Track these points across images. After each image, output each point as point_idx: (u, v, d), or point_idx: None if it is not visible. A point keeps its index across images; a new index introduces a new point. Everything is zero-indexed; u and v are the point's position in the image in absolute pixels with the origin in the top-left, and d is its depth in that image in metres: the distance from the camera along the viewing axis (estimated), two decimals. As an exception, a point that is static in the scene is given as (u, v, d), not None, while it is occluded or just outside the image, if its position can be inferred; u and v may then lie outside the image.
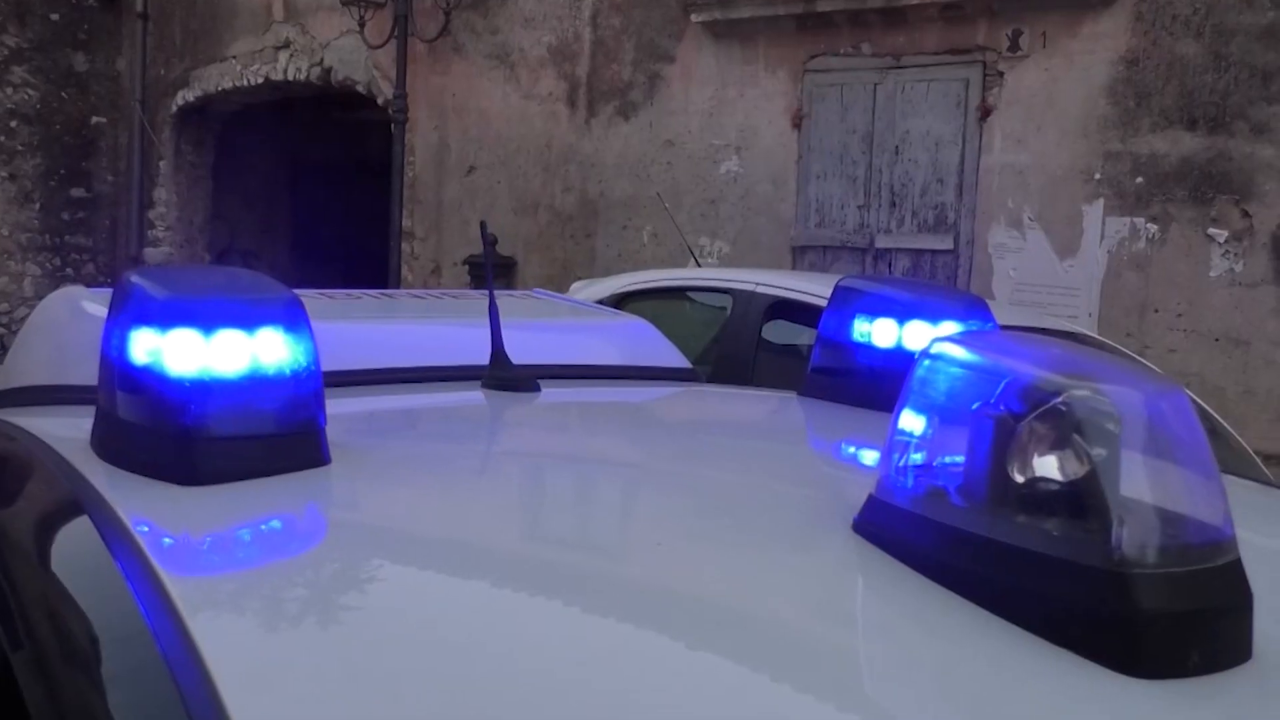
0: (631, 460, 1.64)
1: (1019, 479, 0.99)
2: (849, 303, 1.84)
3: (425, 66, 10.25)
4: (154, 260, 12.79)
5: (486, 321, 1.85)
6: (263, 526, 1.21)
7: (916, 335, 1.69)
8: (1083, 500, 0.96)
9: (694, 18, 8.62)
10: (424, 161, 10.41)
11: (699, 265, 6.54)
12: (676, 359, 2.24)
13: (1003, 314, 3.88)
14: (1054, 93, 7.32)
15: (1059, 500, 0.98)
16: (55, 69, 12.77)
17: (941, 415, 1.06)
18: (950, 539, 1.03)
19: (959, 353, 1.05)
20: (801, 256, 8.17)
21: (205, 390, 1.19)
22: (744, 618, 1.02)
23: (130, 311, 1.23)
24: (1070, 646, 0.93)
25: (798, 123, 8.26)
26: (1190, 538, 0.96)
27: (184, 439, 1.16)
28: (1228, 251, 6.70)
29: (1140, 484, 0.97)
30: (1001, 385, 1.01)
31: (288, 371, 1.24)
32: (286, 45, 11.42)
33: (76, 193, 13.08)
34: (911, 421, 1.07)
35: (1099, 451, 0.97)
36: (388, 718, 0.78)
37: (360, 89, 10.88)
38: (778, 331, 4.42)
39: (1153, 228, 6.98)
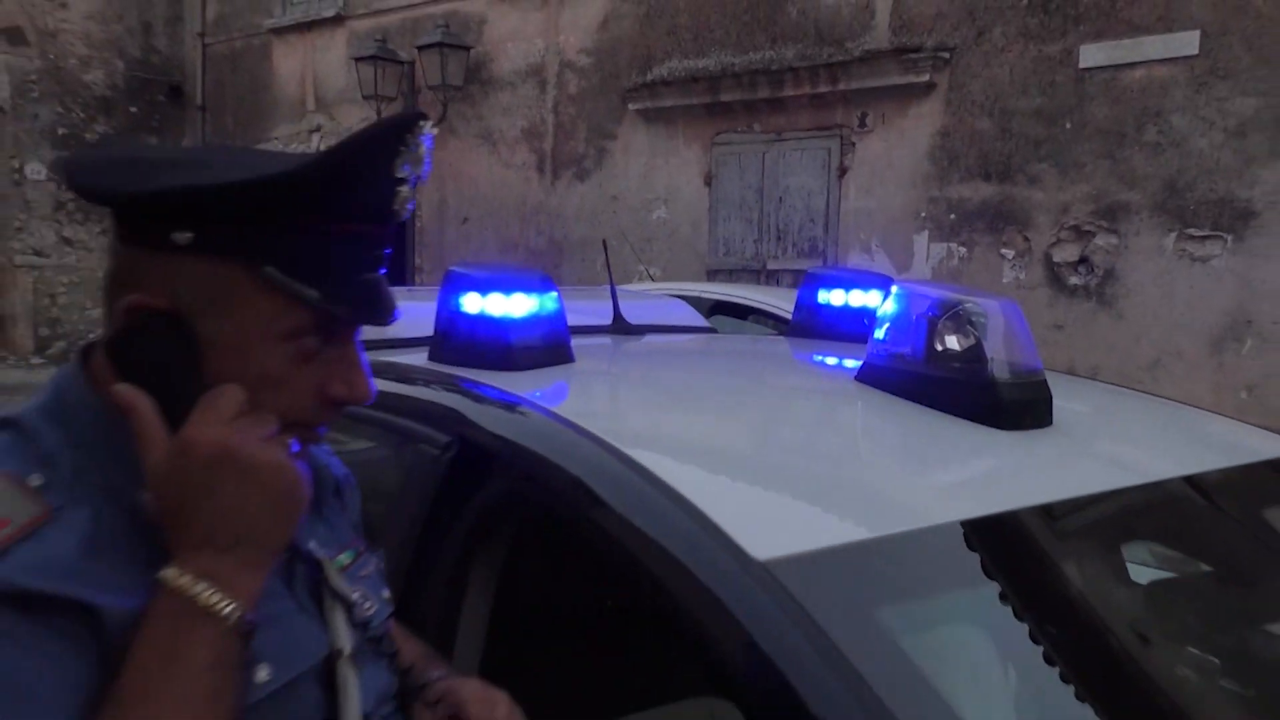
0: (705, 354, 2.08)
1: (939, 347, 1.50)
2: (816, 281, 2.20)
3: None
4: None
5: (609, 300, 2.20)
6: (553, 382, 1.58)
7: (857, 298, 2.18)
8: (972, 353, 1.45)
9: (631, 106, 8.82)
10: (429, 215, 10.53)
11: (653, 280, 6.88)
12: (701, 321, 2.61)
13: None
14: (891, 157, 7.50)
15: (960, 355, 1.44)
16: (134, 149, 12.87)
17: (900, 318, 1.54)
18: (907, 376, 1.47)
19: (909, 289, 1.57)
20: (713, 277, 8.21)
21: (511, 324, 1.60)
22: (806, 411, 1.54)
23: (462, 284, 1.68)
24: (969, 419, 1.38)
25: (708, 181, 8.43)
26: (1021, 366, 1.43)
27: (504, 349, 1.62)
28: (1014, 265, 6.96)
29: (997, 345, 1.46)
30: (929, 302, 1.51)
31: (549, 312, 1.67)
32: (318, 129, 11.50)
33: (153, 244, 13.16)
34: (885, 321, 1.58)
35: (977, 331, 1.50)
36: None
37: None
38: (717, 322, 4.90)
39: (962, 250, 7.20)
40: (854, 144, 7.74)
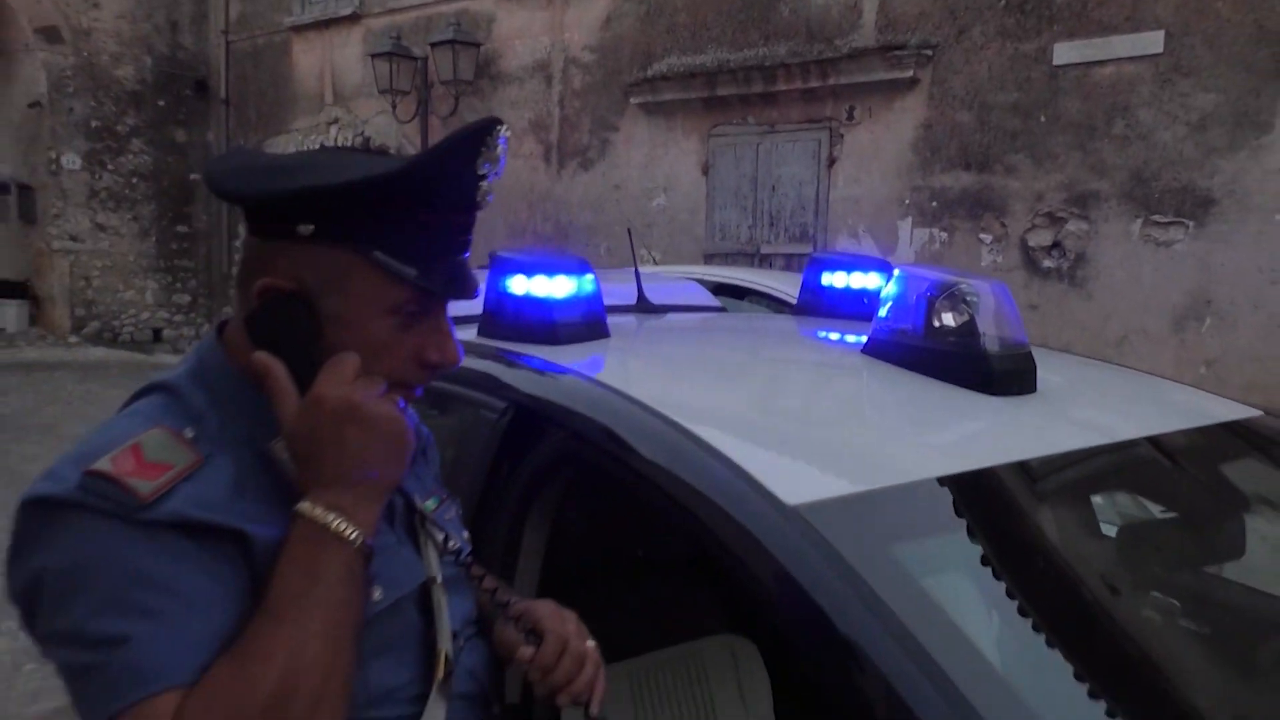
0: (725, 331, 2.16)
1: (936, 323, 1.60)
2: (820, 264, 2.28)
3: (441, 135, 10.36)
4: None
5: (632, 282, 2.26)
6: (593, 355, 1.65)
7: (857, 280, 2.27)
8: (966, 328, 1.54)
9: (632, 100, 8.86)
10: (441, 202, 10.66)
11: (655, 263, 6.93)
12: (713, 301, 2.66)
13: None
14: (877, 148, 7.55)
15: (956, 330, 1.52)
16: (163, 140, 12.85)
17: (901, 298, 1.63)
18: (909, 349, 1.55)
19: (909, 272, 1.67)
20: (709, 261, 8.18)
21: (554, 304, 1.68)
22: (820, 379, 1.64)
23: (508, 267, 1.76)
24: (964, 386, 1.47)
25: (705, 171, 8.46)
26: (1009, 340, 1.51)
27: (549, 326, 1.71)
28: (992, 249, 7.03)
29: (988, 321, 1.55)
30: (928, 284, 1.60)
31: (587, 293, 1.73)
32: (335, 121, 11.53)
33: (181, 229, 13.15)
34: (888, 300, 1.68)
35: (971, 309, 1.60)
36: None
37: (392, 152, 10.97)
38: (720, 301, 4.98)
39: (944, 235, 7.26)
40: (842, 136, 7.79)
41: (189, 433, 0.91)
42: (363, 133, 11.25)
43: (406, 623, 1.00)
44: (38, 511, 0.86)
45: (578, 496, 1.55)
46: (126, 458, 0.86)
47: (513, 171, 9.87)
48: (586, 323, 1.74)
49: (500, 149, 0.97)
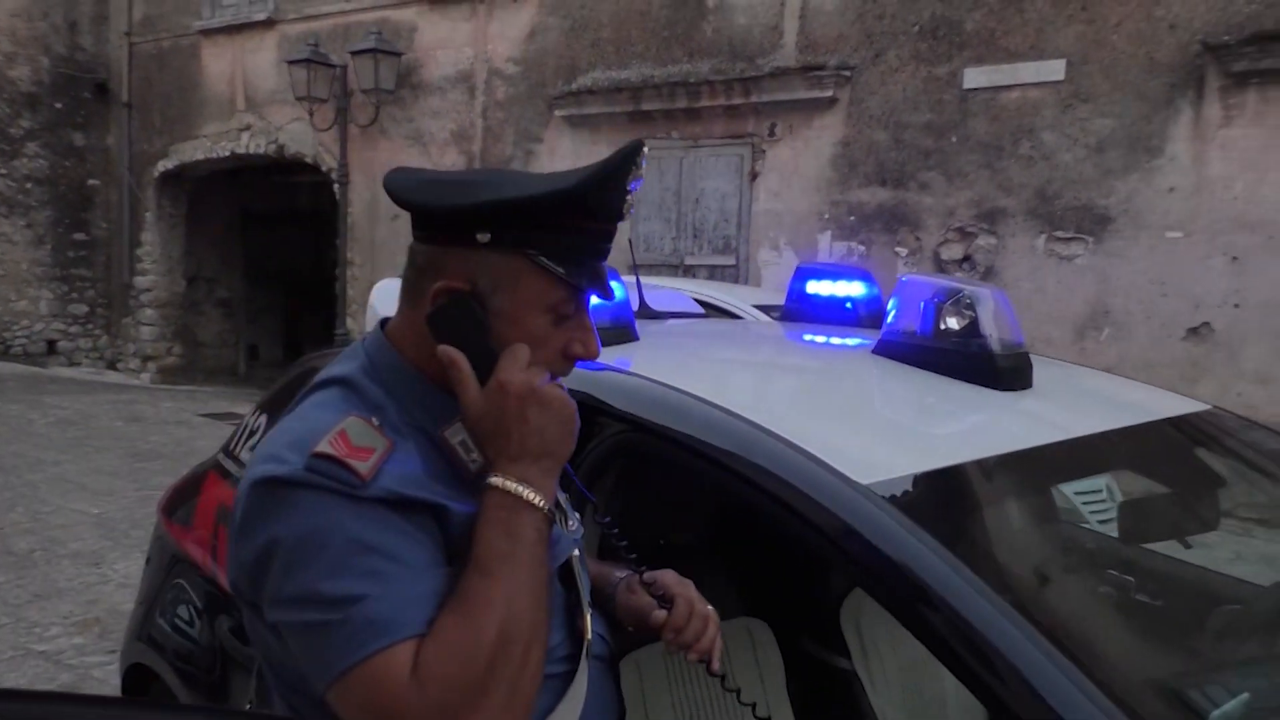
0: (735, 335, 2.27)
1: (943, 326, 1.77)
2: (806, 274, 2.40)
3: (360, 144, 10.30)
4: (141, 285, 12.54)
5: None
6: (631, 355, 1.72)
7: (840, 289, 2.44)
8: (970, 330, 1.71)
9: (556, 113, 8.97)
10: (359, 211, 10.47)
11: None
12: (698, 308, 2.81)
13: (765, 297, 4.63)
14: (798, 163, 7.81)
15: (961, 332, 1.70)
16: (60, 144, 12.39)
17: (908, 303, 1.79)
18: (917, 349, 1.69)
19: (917, 279, 1.83)
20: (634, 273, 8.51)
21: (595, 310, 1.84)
22: (842, 377, 1.79)
23: None
24: (971, 381, 1.61)
25: None
26: (1009, 340, 1.68)
27: None
28: (907, 261, 7.32)
29: (989, 324, 1.71)
30: (934, 289, 1.78)
31: (618, 301, 1.84)
32: (248, 128, 11.31)
33: (78, 236, 12.69)
34: (895, 306, 1.84)
35: (973, 313, 1.76)
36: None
37: (308, 160, 10.83)
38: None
39: (861, 248, 7.53)
40: (764, 151, 8.04)
41: (375, 420, 1.01)
42: (277, 140, 11.05)
43: (554, 591, 1.11)
44: (268, 490, 0.95)
45: (631, 480, 1.67)
46: (340, 442, 0.96)
47: (434, 181, 9.85)
48: (618, 327, 1.85)
49: (643, 168, 1.09)
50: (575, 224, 1.06)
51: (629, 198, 1.09)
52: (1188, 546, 1.74)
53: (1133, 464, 1.74)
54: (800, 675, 2.02)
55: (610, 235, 1.11)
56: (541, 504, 1.00)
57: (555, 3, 9.08)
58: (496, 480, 1.00)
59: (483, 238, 1.03)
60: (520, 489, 0.99)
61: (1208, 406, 1.93)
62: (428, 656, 0.90)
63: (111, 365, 13.12)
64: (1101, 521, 3.13)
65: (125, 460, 7.60)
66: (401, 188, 1.08)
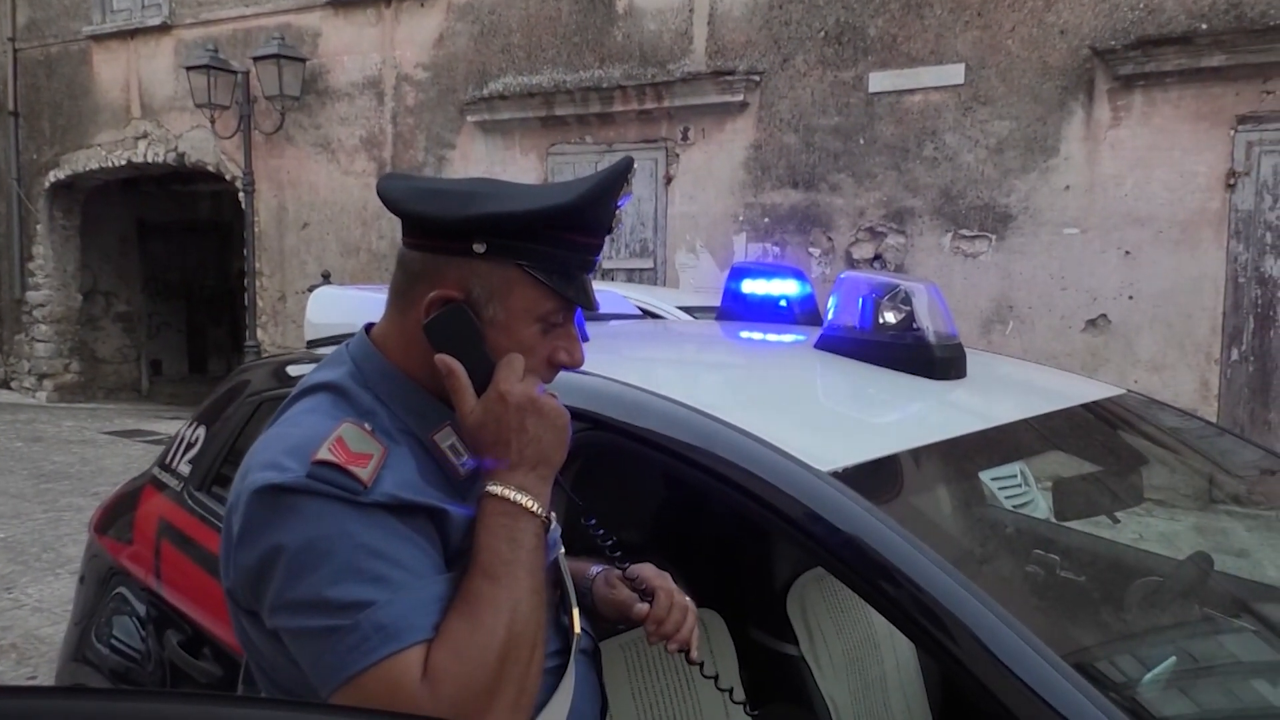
0: (680, 335, 2.35)
1: (881, 320, 1.86)
2: (741, 273, 2.49)
3: (265, 151, 10.07)
4: (35, 300, 12.04)
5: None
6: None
7: (774, 288, 2.52)
8: (906, 323, 1.81)
9: (469, 118, 8.89)
10: (267, 220, 10.24)
11: None
12: (635, 310, 2.86)
13: (687, 298, 4.71)
14: (711, 167, 7.93)
15: (898, 325, 1.79)
16: (-60, 155, 11.81)
17: (847, 299, 1.88)
18: (857, 343, 1.77)
19: (856, 275, 1.91)
20: None
21: None
22: (789, 371, 1.85)
23: None
24: (909, 372, 1.69)
25: None
26: (943, 332, 1.79)
27: None
28: (820, 261, 7.51)
29: (924, 317, 1.81)
30: (872, 285, 1.86)
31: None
32: (145, 136, 10.93)
33: (-37, 251, 12.13)
34: (836, 303, 1.92)
35: (910, 306, 1.85)
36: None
37: (210, 169, 10.53)
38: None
39: (775, 249, 7.68)
40: (678, 155, 8.15)
41: (368, 426, 1.03)
42: (176, 148, 10.72)
43: (551, 591, 1.14)
44: (270, 498, 0.96)
45: (590, 476, 1.70)
46: (339, 448, 0.97)
47: (344, 189, 9.74)
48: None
49: (632, 184, 1.13)
50: (568, 237, 1.09)
51: (617, 212, 1.13)
52: (1116, 521, 1.86)
53: (1065, 445, 1.85)
54: (752, 663, 2.09)
55: (598, 249, 1.15)
56: (539, 510, 1.04)
57: (464, 8, 9.02)
58: (497, 489, 1.03)
59: (479, 248, 1.06)
60: (520, 497, 1.03)
61: (1122, 390, 2.07)
62: (439, 660, 0.92)
63: (4, 384, 12.54)
64: (1016, 506, 3.29)
65: (30, 481, 7.30)
66: (397, 196, 1.10)
